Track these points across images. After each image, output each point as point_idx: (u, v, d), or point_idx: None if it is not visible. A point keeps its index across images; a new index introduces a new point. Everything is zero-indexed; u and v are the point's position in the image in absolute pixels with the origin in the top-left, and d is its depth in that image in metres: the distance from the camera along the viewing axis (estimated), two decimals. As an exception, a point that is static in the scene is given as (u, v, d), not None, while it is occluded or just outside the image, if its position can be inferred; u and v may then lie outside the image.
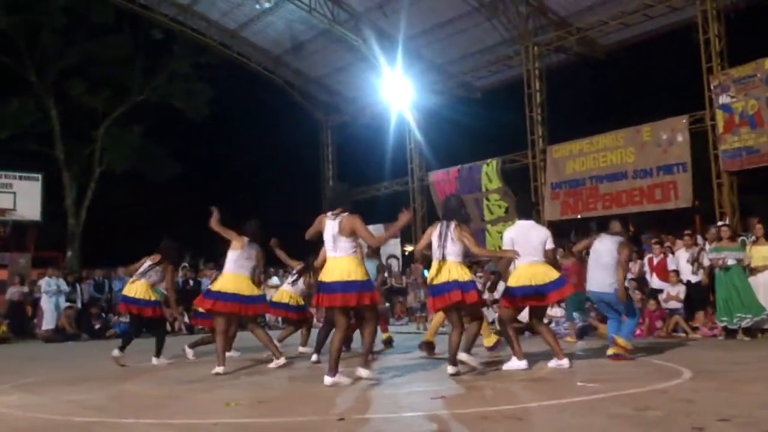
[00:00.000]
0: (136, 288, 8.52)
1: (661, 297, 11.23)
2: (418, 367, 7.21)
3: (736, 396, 4.78)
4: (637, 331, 10.77)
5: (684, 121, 14.64)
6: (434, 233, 6.47)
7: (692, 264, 11.02)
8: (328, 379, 5.75)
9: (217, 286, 7.33)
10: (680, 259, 11.53)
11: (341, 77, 21.94)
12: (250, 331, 7.79)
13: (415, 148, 21.06)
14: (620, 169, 15.52)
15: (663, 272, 11.61)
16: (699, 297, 10.91)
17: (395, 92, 19.72)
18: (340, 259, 5.84)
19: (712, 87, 14.17)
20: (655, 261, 11.88)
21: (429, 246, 6.55)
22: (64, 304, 15.70)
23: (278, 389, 6.18)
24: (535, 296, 6.71)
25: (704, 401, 4.53)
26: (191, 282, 17.08)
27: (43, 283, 15.68)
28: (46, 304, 15.48)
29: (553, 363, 6.68)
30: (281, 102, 23.97)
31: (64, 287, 15.97)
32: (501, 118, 20.06)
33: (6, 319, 15.89)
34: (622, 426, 3.83)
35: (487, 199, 18.13)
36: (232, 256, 7.41)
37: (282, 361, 7.50)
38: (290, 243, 8.90)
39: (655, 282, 11.72)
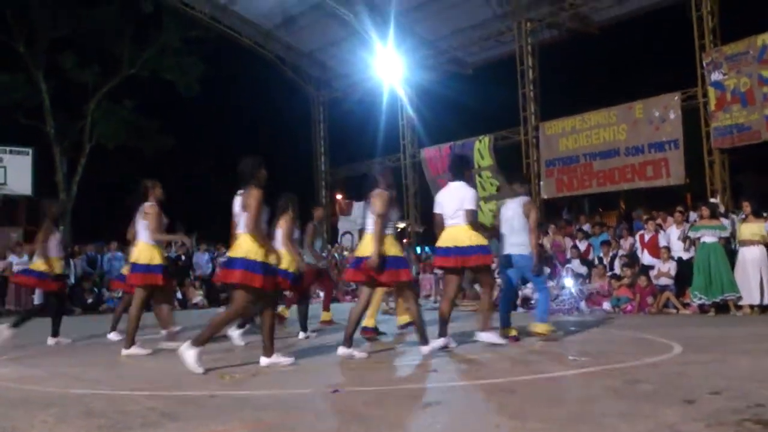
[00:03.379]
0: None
1: (652, 273, 11.32)
2: (412, 340, 7.25)
3: (726, 369, 4.84)
4: (628, 307, 10.90)
5: (676, 98, 14.67)
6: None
7: (683, 241, 11.10)
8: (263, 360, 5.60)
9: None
10: (671, 236, 11.62)
11: (333, 52, 21.78)
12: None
13: (408, 124, 21.01)
14: (613, 147, 15.56)
15: (654, 249, 11.69)
16: (689, 273, 11.00)
17: (387, 68, 19.62)
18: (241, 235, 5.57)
19: (704, 64, 14.18)
20: (647, 237, 11.95)
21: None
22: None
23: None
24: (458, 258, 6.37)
25: (695, 374, 4.59)
26: (183, 257, 17.09)
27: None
28: (38, 278, 15.43)
29: (481, 336, 6.50)
30: (273, 77, 23.85)
31: (56, 262, 15.90)
32: (493, 95, 20.04)
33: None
34: (614, 398, 3.88)
35: (480, 176, 18.13)
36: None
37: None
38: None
39: (646, 258, 11.81)
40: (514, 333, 6.87)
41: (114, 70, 23.38)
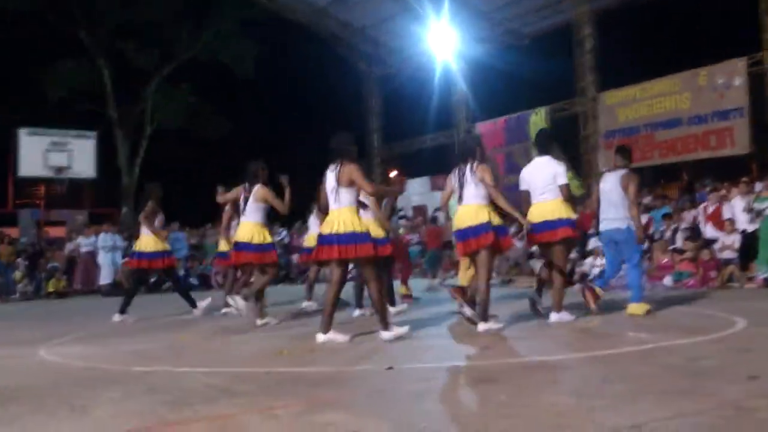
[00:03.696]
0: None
1: (716, 246, 10.97)
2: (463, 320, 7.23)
3: (793, 345, 4.68)
4: (691, 282, 10.60)
5: (742, 64, 14.08)
6: (452, 177, 6.25)
7: (748, 212, 10.70)
8: (320, 337, 5.60)
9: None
10: (735, 208, 11.21)
11: (386, 28, 21.60)
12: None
13: (461, 98, 20.77)
14: (675, 116, 15.09)
15: (718, 221, 11.31)
16: (755, 246, 10.62)
17: (440, 42, 19.38)
18: (339, 210, 5.61)
19: (771, 27, 13.58)
20: (710, 209, 11.57)
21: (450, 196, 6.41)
22: (120, 259, 16.19)
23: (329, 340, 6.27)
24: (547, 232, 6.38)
25: (760, 350, 4.45)
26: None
27: (100, 238, 16.16)
28: (104, 259, 16.00)
29: (554, 317, 6.38)
30: (326, 55, 23.86)
31: (120, 243, 16.45)
32: (549, 66, 19.57)
33: (65, 275, 16.50)
34: (674, 375, 3.78)
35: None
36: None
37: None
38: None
39: (709, 231, 11.44)
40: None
41: (172, 54, 23.83)
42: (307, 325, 7.22)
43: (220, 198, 7.91)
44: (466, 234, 6.02)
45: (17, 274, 15.98)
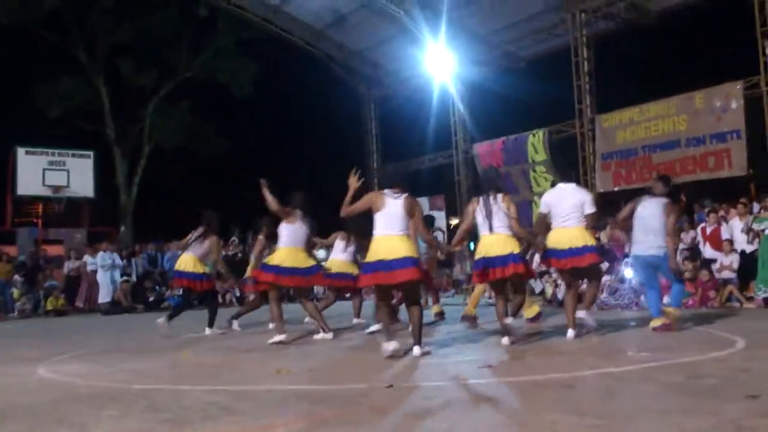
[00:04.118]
0: (185, 261, 8.72)
1: (714, 267, 10.99)
2: (465, 337, 7.23)
3: (793, 365, 4.68)
4: (690, 302, 10.60)
5: (738, 87, 14.18)
6: (477, 208, 6.43)
7: (747, 233, 10.74)
8: (416, 350, 5.76)
9: (275, 261, 7.41)
10: (734, 228, 11.26)
11: (383, 50, 21.76)
12: (301, 303, 7.86)
13: (459, 120, 20.85)
14: (673, 138, 15.15)
15: (716, 241, 11.34)
16: (753, 266, 10.64)
17: (438, 64, 19.50)
18: (394, 237, 5.81)
19: (767, 51, 13.69)
20: (709, 230, 11.61)
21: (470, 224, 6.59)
22: (119, 278, 16.16)
23: (328, 358, 6.27)
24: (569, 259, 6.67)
25: (759, 370, 4.45)
26: (239, 254, 17.37)
27: (99, 257, 16.14)
28: (102, 277, 15.97)
29: (570, 334, 6.58)
30: (324, 76, 23.97)
31: (119, 261, 16.43)
32: (547, 88, 19.70)
33: (63, 293, 16.45)
34: (675, 394, 3.78)
35: (534, 171, 17.90)
36: (287, 230, 7.48)
37: (330, 335, 7.51)
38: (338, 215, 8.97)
39: (708, 251, 11.47)
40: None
41: (170, 73, 23.95)
42: (307, 344, 7.21)
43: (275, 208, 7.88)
44: (493, 262, 6.24)
45: (15, 292, 15.93)
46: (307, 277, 7.53)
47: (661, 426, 3.03)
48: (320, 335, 7.57)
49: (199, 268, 8.71)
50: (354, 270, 8.72)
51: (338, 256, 9.15)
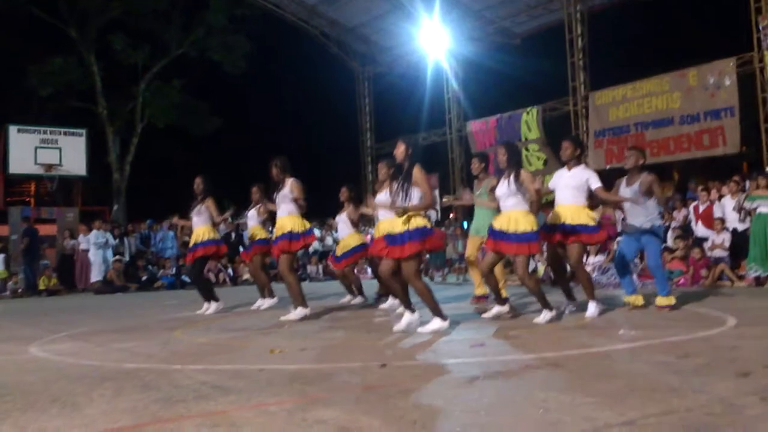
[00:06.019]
0: (200, 233, 8.70)
1: (706, 245, 11.04)
2: (458, 316, 7.25)
3: (782, 343, 4.71)
4: (681, 280, 10.67)
5: (732, 63, 14.16)
6: (500, 180, 6.61)
7: (738, 211, 10.78)
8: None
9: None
10: (726, 207, 11.30)
11: (377, 26, 21.62)
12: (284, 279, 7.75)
13: (453, 97, 20.79)
14: (666, 115, 15.14)
15: (708, 220, 11.39)
16: (745, 245, 10.70)
17: (432, 41, 19.41)
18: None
19: (760, 28, 13.65)
20: (701, 208, 11.65)
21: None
22: (111, 257, 16.13)
23: (322, 339, 6.29)
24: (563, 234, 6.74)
25: (749, 348, 4.48)
26: (233, 235, 17.35)
27: (92, 236, 16.09)
28: (95, 256, 15.93)
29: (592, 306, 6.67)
30: (317, 54, 23.87)
31: (112, 240, 16.39)
32: (541, 65, 19.64)
33: (56, 272, 16.43)
34: (664, 372, 3.81)
35: (527, 149, 17.88)
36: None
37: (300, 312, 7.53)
38: (332, 193, 9.14)
39: (700, 230, 11.52)
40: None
41: (163, 50, 23.73)
42: (300, 324, 7.23)
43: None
44: (508, 237, 6.33)
45: (2, 272, 15.94)
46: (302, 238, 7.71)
47: (650, 405, 3.05)
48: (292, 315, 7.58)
49: (215, 234, 8.81)
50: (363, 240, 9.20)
51: (349, 230, 9.19)
